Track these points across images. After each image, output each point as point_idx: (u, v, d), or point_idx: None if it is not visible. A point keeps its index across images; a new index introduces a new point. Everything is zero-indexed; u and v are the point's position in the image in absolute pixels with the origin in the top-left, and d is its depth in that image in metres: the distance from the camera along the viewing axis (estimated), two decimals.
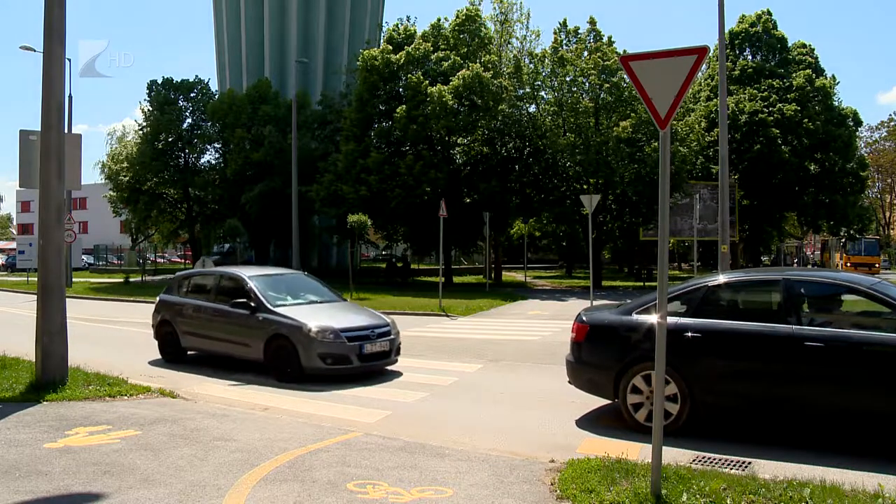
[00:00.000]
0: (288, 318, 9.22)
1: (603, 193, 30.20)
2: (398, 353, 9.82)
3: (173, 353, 10.79)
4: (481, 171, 32.62)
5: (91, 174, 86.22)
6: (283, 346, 9.10)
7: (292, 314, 9.33)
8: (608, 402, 7.82)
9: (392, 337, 9.58)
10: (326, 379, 8.90)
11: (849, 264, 40.56)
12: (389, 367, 9.74)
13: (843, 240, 42.42)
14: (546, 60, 33.99)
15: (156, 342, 11.15)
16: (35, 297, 8.38)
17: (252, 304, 9.56)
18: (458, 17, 34.01)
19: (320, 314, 9.50)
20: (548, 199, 33.32)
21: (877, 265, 41.56)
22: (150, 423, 6.33)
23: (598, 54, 31.88)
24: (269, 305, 9.49)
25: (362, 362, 9.08)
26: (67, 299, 8.63)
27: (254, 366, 9.63)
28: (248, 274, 10.40)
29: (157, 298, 11.45)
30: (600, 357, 6.80)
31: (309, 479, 4.81)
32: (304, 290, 10.66)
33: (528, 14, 40.40)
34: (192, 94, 40.99)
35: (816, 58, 38.46)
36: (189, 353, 10.81)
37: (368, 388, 8.69)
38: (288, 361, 9.02)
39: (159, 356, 11.05)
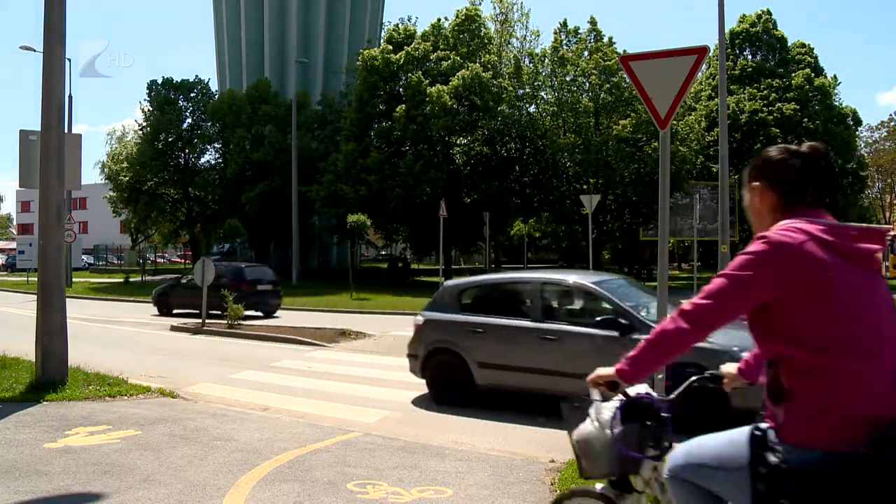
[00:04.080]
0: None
1: (603, 193, 30.19)
2: None
3: (460, 393, 7.57)
4: (481, 171, 32.65)
5: (91, 174, 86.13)
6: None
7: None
8: None
9: None
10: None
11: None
12: None
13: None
14: (546, 60, 34.03)
15: (416, 377, 8.06)
16: (35, 297, 8.37)
17: (623, 323, 6.76)
18: (458, 17, 34.03)
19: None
20: (548, 199, 33.32)
21: None
22: (150, 423, 6.32)
23: (599, 54, 31.91)
24: (648, 323, 6.57)
25: None
26: (67, 299, 8.62)
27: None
28: (593, 280, 7.63)
29: (419, 319, 8.11)
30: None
31: (309, 479, 4.81)
32: (644, 300, 7.68)
33: (528, 14, 40.43)
34: (192, 94, 41.01)
35: (816, 57, 38.49)
36: (483, 390, 7.57)
37: (369, 387, 8.69)
38: (704, 403, 6.93)
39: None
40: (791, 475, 1.81)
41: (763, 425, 1.97)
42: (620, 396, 2.37)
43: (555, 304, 7.80)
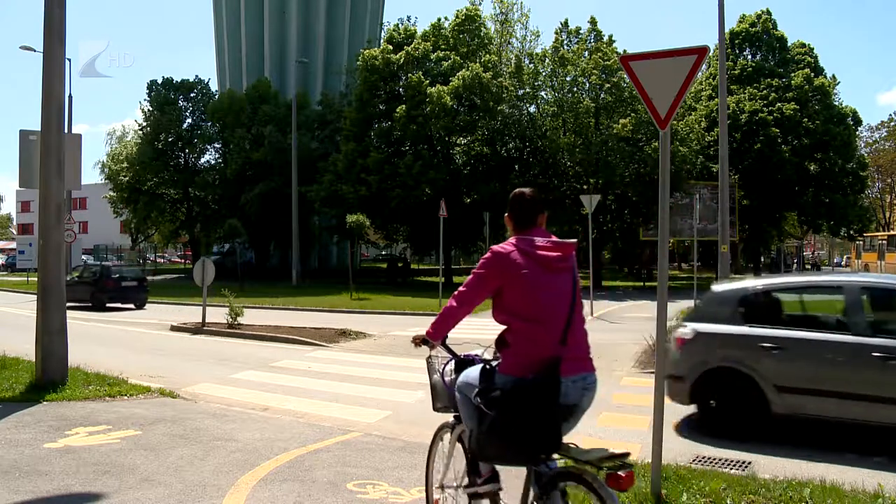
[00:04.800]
0: None
1: (603, 193, 30.17)
2: None
3: (749, 423, 6.22)
4: (481, 171, 32.62)
5: (91, 174, 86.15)
6: None
7: None
8: (607, 401, 7.82)
9: None
10: None
11: None
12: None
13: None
14: (546, 60, 34.02)
15: (686, 404, 6.65)
16: (35, 297, 8.37)
17: None
18: (458, 17, 34.02)
19: None
20: (548, 199, 33.28)
21: None
22: (150, 423, 6.32)
23: (599, 54, 31.89)
24: None
25: None
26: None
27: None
28: None
29: (685, 331, 6.67)
30: None
31: (309, 479, 4.81)
32: None
33: (528, 14, 40.44)
34: (192, 94, 41.00)
35: (816, 57, 38.47)
36: (778, 418, 6.22)
37: (369, 387, 8.69)
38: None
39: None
40: (496, 391, 2.90)
41: (494, 363, 3.16)
42: (445, 353, 3.61)
43: (882, 313, 6.44)
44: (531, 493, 2.92)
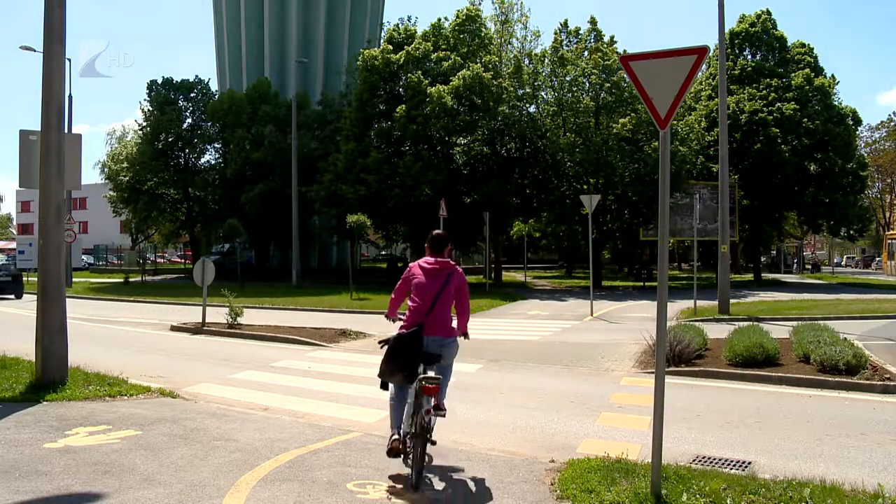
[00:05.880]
0: None
1: (603, 193, 30.20)
2: None
3: None
4: (481, 171, 32.62)
5: (91, 174, 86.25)
6: None
7: None
8: (607, 401, 7.83)
9: None
10: None
11: None
12: None
13: None
14: (546, 60, 34.02)
15: None
16: (35, 297, 8.37)
17: None
18: (458, 17, 34.02)
19: None
20: (548, 199, 33.31)
21: None
22: (150, 423, 6.33)
23: (599, 54, 31.90)
24: None
25: None
26: (67, 299, 8.63)
27: None
28: None
29: None
30: None
31: (309, 479, 4.81)
32: None
33: (529, 15, 40.45)
34: (192, 94, 40.97)
35: (815, 57, 38.43)
36: None
37: (369, 387, 8.68)
38: None
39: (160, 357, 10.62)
40: (390, 339, 5.10)
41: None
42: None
43: None
44: (413, 402, 4.92)
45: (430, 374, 4.90)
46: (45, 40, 7.85)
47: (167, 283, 35.96)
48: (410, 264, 5.34)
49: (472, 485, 4.81)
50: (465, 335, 5.48)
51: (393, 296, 5.46)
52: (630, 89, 29.87)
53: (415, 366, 4.88)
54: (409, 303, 5.20)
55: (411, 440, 4.75)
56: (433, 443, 4.92)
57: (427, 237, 5.55)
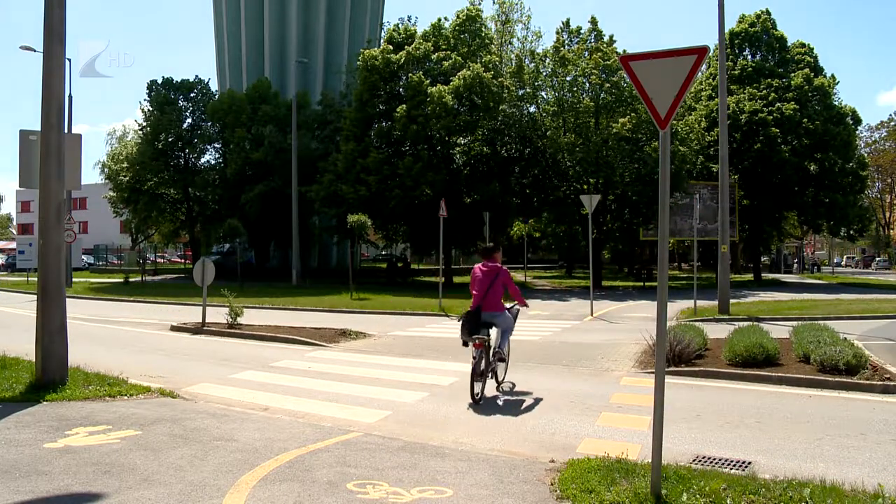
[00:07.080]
0: None
1: (603, 193, 30.18)
2: None
3: None
4: (481, 171, 32.61)
5: (91, 174, 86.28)
6: None
7: None
8: (607, 401, 7.83)
9: None
10: None
11: None
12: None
13: None
14: (547, 60, 34.01)
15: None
16: (35, 297, 8.37)
17: None
18: (458, 17, 34.00)
19: None
20: (548, 199, 33.32)
21: None
22: (150, 423, 6.33)
23: (599, 54, 31.90)
24: None
25: None
26: (67, 299, 8.63)
27: None
28: None
29: None
30: None
31: (309, 479, 4.81)
32: None
33: (530, 15, 40.42)
34: (192, 94, 40.96)
35: (815, 57, 38.43)
36: None
37: (369, 387, 8.69)
38: None
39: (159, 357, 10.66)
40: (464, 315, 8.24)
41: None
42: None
43: None
44: (483, 353, 7.76)
45: (484, 336, 7.85)
46: (45, 40, 7.85)
47: (167, 283, 35.96)
48: (476, 267, 8.32)
49: (472, 485, 4.81)
50: (525, 304, 8.69)
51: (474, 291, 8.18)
52: (630, 89, 29.87)
53: (477, 330, 7.86)
54: (473, 291, 8.07)
55: (481, 376, 7.81)
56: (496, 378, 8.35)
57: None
